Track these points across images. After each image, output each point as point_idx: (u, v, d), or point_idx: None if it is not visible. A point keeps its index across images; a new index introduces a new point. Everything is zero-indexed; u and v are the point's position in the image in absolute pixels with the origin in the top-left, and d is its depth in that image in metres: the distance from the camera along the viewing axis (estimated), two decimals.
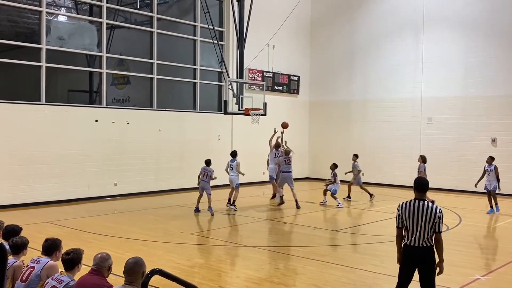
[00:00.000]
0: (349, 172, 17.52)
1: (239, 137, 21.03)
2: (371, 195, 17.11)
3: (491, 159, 15.00)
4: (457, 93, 20.13)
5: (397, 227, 5.89)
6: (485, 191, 14.95)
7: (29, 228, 9.12)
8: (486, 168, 14.97)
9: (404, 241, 5.81)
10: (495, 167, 14.80)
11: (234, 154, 15.45)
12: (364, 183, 17.74)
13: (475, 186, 15.16)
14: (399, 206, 5.87)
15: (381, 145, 22.07)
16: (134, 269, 4.46)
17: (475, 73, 19.70)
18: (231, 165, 15.23)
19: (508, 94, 18.96)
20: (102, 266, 4.76)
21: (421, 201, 5.74)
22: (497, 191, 14.80)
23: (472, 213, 14.85)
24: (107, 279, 4.82)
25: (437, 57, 20.62)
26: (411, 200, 5.81)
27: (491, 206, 14.73)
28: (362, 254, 10.16)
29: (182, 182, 18.90)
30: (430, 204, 5.73)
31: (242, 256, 9.80)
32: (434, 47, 20.70)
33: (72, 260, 4.95)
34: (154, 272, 4.21)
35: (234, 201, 15.11)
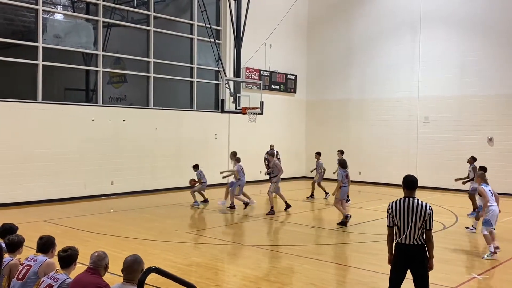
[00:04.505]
0: (313, 169, 17.63)
1: (236, 136, 21.01)
2: (326, 193, 16.83)
3: (471, 160, 14.46)
4: (453, 92, 20.17)
5: (388, 226, 5.84)
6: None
7: (25, 227, 9.08)
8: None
9: (396, 239, 5.77)
10: (473, 168, 14.02)
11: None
12: (362, 182, 17.72)
13: (462, 183, 14.60)
14: (389, 205, 5.83)
15: (378, 144, 22.08)
16: (133, 266, 4.46)
17: (472, 72, 19.73)
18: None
19: (504, 93, 19.00)
20: (99, 264, 4.75)
21: (411, 199, 5.72)
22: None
23: (469, 212, 14.85)
24: (103, 277, 4.81)
25: (433, 56, 20.65)
26: (401, 198, 5.78)
27: (474, 209, 13.63)
28: (359, 252, 10.18)
29: (179, 181, 18.87)
30: (420, 201, 5.71)
31: (239, 255, 9.79)
32: (431, 46, 20.72)
33: (69, 257, 4.92)
34: (151, 270, 4.19)
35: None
